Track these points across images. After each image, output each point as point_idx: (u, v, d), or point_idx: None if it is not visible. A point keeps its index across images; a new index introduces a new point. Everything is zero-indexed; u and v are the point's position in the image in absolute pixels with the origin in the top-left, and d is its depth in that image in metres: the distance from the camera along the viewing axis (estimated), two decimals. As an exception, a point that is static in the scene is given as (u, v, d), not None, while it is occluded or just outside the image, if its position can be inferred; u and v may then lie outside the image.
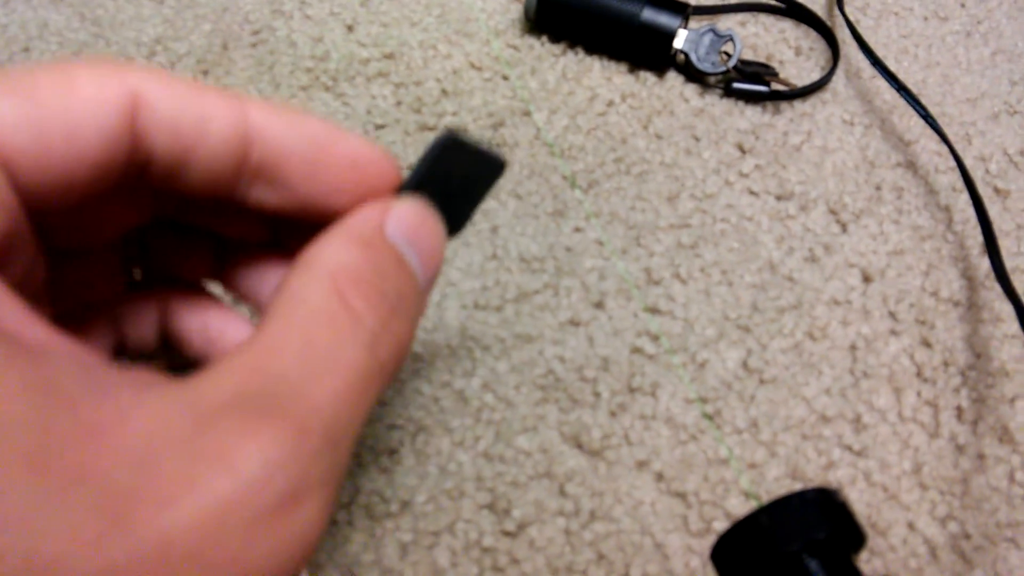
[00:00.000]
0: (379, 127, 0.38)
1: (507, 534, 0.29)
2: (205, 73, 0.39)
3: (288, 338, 0.16)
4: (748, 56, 0.42)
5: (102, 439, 0.13)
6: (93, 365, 0.15)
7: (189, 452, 0.14)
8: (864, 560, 0.29)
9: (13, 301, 0.15)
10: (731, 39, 0.40)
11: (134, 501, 0.13)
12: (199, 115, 0.18)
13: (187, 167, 0.18)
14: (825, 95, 0.41)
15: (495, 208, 0.36)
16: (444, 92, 0.40)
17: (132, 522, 0.13)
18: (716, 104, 0.40)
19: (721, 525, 0.29)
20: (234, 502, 0.14)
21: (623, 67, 0.41)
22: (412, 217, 0.20)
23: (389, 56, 0.41)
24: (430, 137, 0.38)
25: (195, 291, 0.24)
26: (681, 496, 0.30)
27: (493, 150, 0.21)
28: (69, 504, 0.13)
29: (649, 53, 0.40)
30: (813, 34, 0.44)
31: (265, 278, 0.23)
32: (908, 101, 0.39)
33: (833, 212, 0.37)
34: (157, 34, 0.41)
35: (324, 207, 0.20)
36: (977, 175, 0.39)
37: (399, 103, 0.39)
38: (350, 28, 0.42)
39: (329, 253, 0.18)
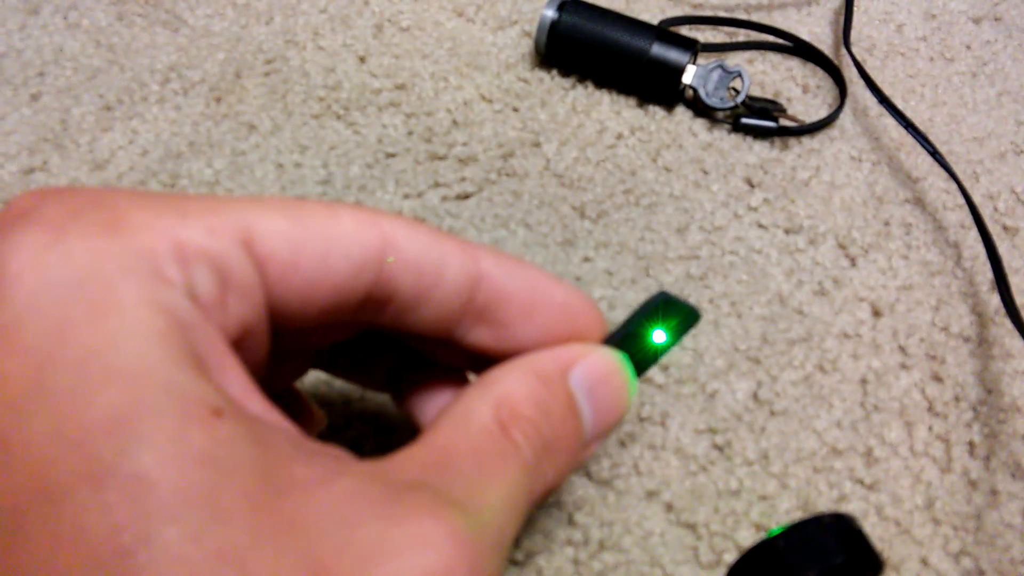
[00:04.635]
0: (390, 155, 0.38)
1: (515, 563, 0.28)
2: (218, 100, 0.40)
3: (460, 444, 0.18)
4: (756, 93, 0.43)
5: (311, 494, 0.15)
6: (299, 436, 0.17)
7: (385, 517, 0.15)
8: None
9: (242, 377, 0.17)
10: (739, 75, 0.40)
11: (337, 560, 0.14)
12: (439, 259, 0.19)
13: (422, 306, 0.20)
14: (833, 132, 0.41)
15: (504, 237, 0.36)
16: (455, 123, 0.40)
17: None
18: (724, 139, 0.40)
19: (732, 557, 0.29)
20: None
21: (632, 101, 0.41)
22: (601, 369, 0.21)
23: (400, 87, 0.41)
24: (440, 167, 0.38)
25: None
26: (691, 527, 0.29)
27: (692, 305, 0.22)
28: (280, 549, 0.14)
29: (658, 88, 0.41)
30: (820, 72, 0.44)
31: (432, 398, 0.24)
32: (916, 138, 0.39)
33: (842, 246, 0.37)
34: (171, 61, 0.41)
35: (533, 350, 0.21)
36: (985, 213, 0.39)
37: (410, 133, 0.39)
38: (362, 59, 0.42)
39: (505, 378, 0.19)
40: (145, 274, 0.15)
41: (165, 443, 0.14)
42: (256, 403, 0.17)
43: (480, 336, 0.21)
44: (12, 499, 0.14)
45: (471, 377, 0.24)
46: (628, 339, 0.22)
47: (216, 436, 0.14)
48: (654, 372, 0.32)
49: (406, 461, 0.17)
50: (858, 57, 0.43)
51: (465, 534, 0.15)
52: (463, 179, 0.38)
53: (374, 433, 0.31)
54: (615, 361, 0.21)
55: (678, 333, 0.23)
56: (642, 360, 0.22)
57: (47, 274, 0.15)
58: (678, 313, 0.22)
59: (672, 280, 0.35)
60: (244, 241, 0.17)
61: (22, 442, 0.14)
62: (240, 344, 0.18)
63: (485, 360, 0.21)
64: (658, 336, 0.22)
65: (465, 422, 0.18)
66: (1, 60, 0.40)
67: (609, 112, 0.41)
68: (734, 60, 0.44)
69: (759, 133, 0.40)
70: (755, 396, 0.32)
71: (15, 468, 0.14)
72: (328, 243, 0.18)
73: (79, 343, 0.14)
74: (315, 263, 0.18)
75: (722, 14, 0.46)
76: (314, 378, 0.31)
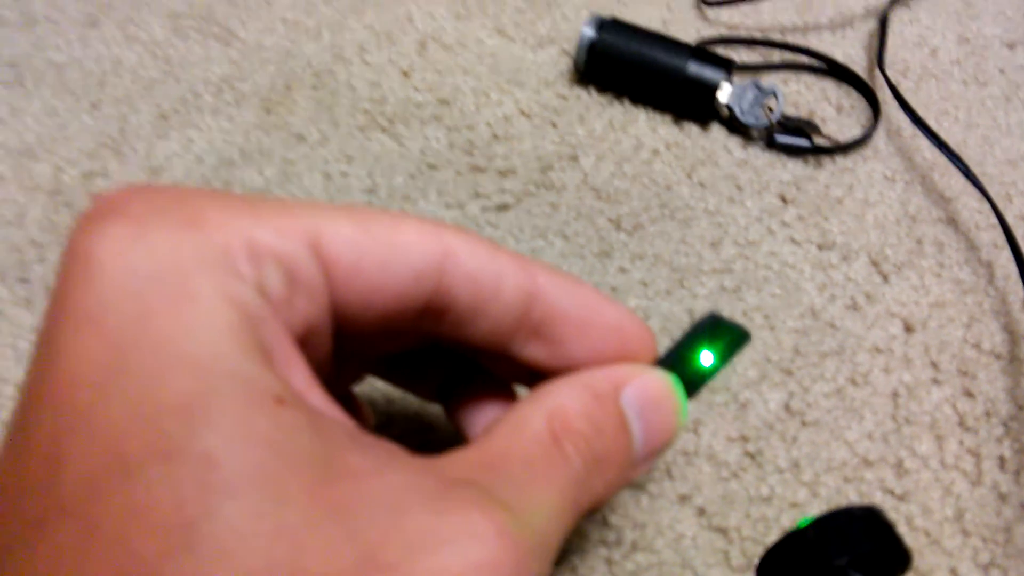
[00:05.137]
0: (431, 167, 0.40)
1: (548, 560, 0.29)
2: (268, 111, 0.41)
3: (512, 450, 0.18)
4: (790, 112, 0.43)
5: (364, 482, 0.15)
6: (356, 429, 0.17)
7: (435, 509, 0.16)
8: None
9: (305, 371, 0.17)
10: (774, 94, 0.41)
11: (386, 544, 0.15)
12: (497, 273, 0.20)
13: (479, 318, 0.20)
14: (866, 151, 0.42)
15: (542, 247, 0.37)
16: (495, 136, 0.41)
17: (382, 563, 0.15)
18: (759, 156, 0.41)
19: (762, 561, 0.29)
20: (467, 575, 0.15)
21: (668, 118, 0.42)
22: (653, 391, 0.21)
23: (443, 101, 0.42)
24: (480, 179, 0.39)
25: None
26: (723, 532, 0.30)
27: (742, 326, 0.23)
28: (334, 531, 0.14)
29: (694, 105, 0.42)
30: (854, 94, 0.45)
31: (482, 412, 0.24)
32: (949, 158, 0.39)
33: (875, 263, 0.38)
34: (224, 73, 0.43)
35: (584, 368, 0.21)
36: (1018, 234, 0.39)
37: (452, 145, 0.40)
38: (406, 74, 0.43)
39: (559, 392, 0.20)
40: (220, 269, 0.16)
41: (231, 426, 0.15)
42: (316, 397, 0.17)
43: (534, 351, 0.21)
44: (90, 467, 0.15)
45: (521, 394, 0.25)
46: (679, 361, 0.22)
47: (278, 422, 0.15)
48: (687, 380, 0.33)
49: (458, 460, 0.18)
50: (892, 79, 0.43)
51: (512, 532, 0.16)
52: (502, 191, 0.39)
53: (417, 432, 0.32)
54: (667, 383, 0.22)
55: (728, 354, 0.23)
56: (692, 382, 0.23)
57: (131, 265, 0.16)
58: (727, 334, 0.23)
59: (706, 292, 0.36)
60: (312, 243, 0.18)
61: (102, 417, 0.15)
62: (304, 342, 0.18)
63: (538, 375, 0.22)
64: (707, 358, 0.23)
65: (518, 430, 0.19)
66: (63, 70, 0.42)
67: (645, 128, 0.42)
68: (769, 80, 0.45)
69: (793, 151, 0.41)
70: (787, 407, 0.33)
71: (95, 441, 0.15)
72: (391, 250, 0.19)
73: (157, 330, 0.15)
74: (377, 268, 0.19)
75: (757, 35, 0.47)
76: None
